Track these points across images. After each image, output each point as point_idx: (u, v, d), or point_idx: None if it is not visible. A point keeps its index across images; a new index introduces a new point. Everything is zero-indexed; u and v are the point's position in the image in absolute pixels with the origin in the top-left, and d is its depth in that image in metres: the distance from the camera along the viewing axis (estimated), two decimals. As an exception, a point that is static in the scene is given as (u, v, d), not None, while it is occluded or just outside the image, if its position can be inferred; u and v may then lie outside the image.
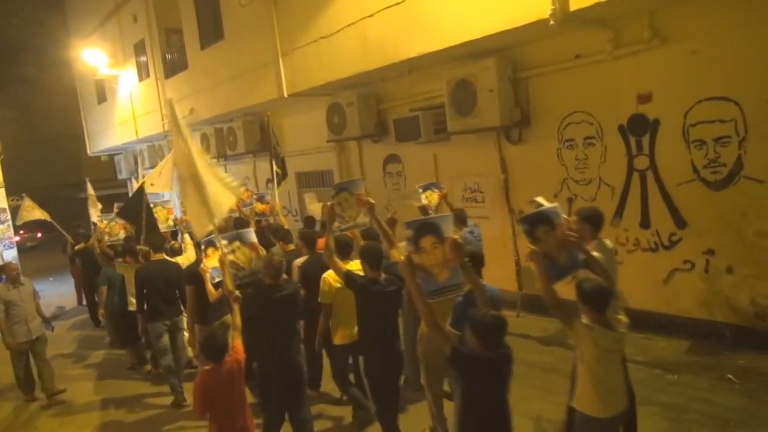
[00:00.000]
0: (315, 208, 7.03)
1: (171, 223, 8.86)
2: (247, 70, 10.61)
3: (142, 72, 15.42)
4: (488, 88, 7.02)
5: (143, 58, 15.20)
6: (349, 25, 8.09)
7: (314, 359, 5.75)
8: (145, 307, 6.46)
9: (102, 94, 18.62)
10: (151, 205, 8.12)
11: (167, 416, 6.20)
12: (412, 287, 3.47)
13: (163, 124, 14.34)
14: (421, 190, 6.90)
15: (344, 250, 4.98)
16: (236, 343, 4.04)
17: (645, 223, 6.38)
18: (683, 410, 4.82)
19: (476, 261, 3.83)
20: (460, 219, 6.05)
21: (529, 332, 7.03)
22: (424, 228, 3.57)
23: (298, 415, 4.64)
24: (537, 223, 3.69)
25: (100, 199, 11.42)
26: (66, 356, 8.73)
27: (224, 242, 4.93)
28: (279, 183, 8.68)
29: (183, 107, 13.18)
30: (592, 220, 4.11)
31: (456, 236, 4.02)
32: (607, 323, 3.32)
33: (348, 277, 4.33)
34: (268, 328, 4.51)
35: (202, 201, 4.53)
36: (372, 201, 4.80)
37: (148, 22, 14.43)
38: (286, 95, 9.76)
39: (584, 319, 3.34)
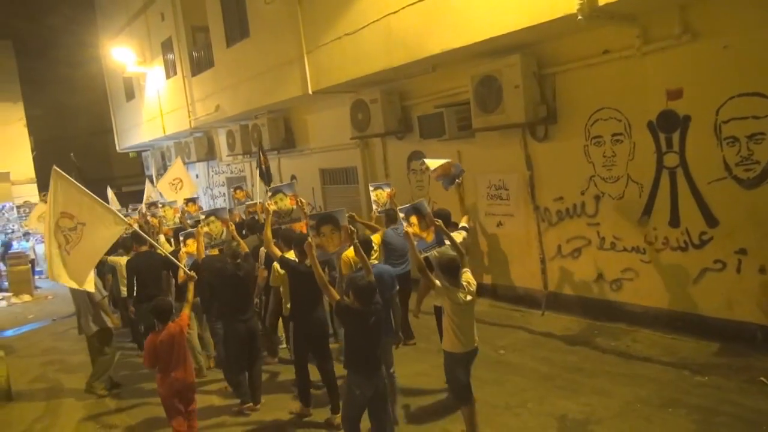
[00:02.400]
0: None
1: (177, 220, 9.92)
2: (272, 68, 10.70)
3: (170, 70, 15.65)
4: (513, 85, 6.96)
5: (170, 56, 15.43)
6: (374, 21, 8.09)
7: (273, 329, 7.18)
8: (135, 292, 7.33)
9: (130, 92, 18.95)
10: (161, 206, 10.37)
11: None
12: (311, 259, 4.59)
13: (190, 121, 14.55)
14: (372, 188, 7.58)
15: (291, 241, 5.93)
16: (184, 312, 5.06)
17: (674, 221, 6.27)
18: (712, 413, 4.73)
19: (365, 245, 5.10)
20: (390, 217, 6.86)
21: (553, 331, 6.97)
22: (324, 219, 4.86)
23: (254, 366, 5.91)
24: (411, 213, 5.12)
25: (128, 195, 12.04)
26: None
27: (202, 216, 6.97)
28: (269, 183, 9.46)
29: (209, 104, 13.37)
30: (440, 218, 5.29)
31: (379, 233, 6.70)
32: (458, 285, 4.54)
33: (282, 260, 5.47)
34: (229, 296, 5.83)
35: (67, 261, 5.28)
36: (303, 200, 6.16)
37: (175, 21, 14.63)
38: (310, 92, 9.82)
39: (442, 282, 4.56)
